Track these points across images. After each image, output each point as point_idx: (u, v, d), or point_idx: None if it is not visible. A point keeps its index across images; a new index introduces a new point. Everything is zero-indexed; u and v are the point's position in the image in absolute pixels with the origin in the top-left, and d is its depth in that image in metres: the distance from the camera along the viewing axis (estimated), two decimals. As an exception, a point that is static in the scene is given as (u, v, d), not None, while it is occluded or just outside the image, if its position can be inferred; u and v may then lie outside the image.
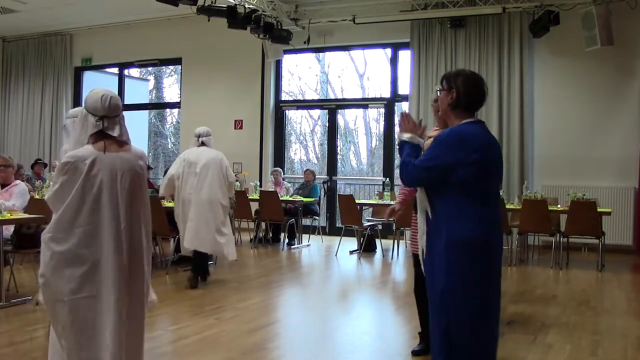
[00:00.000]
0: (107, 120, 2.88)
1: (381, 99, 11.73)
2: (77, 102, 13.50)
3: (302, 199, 9.66)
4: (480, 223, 2.78)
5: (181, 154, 6.83)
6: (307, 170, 10.57)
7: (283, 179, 10.62)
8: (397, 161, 12.13)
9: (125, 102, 13.20)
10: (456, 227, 2.76)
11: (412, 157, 2.87)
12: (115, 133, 2.89)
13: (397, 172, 11.40)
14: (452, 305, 2.78)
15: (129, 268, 2.89)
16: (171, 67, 16.81)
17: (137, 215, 2.95)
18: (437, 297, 2.84)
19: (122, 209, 2.87)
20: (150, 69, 16.29)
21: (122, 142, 2.93)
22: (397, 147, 3.01)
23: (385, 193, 9.58)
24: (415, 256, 4.06)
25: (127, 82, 13.77)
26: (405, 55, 10.79)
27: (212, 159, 6.43)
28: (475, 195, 2.78)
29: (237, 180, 8.69)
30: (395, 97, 11.11)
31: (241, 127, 11.72)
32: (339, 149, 12.58)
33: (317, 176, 10.60)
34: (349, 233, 9.41)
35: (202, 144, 6.53)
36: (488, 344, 2.86)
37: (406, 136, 2.95)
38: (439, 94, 2.98)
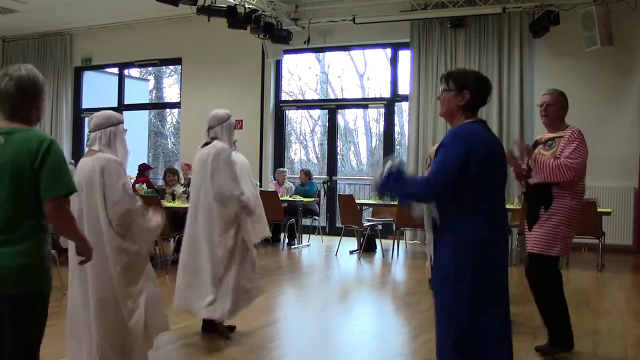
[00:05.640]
0: (90, 134, 3.56)
1: (381, 99, 11.74)
2: (77, 102, 13.51)
3: (302, 198, 9.66)
4: (489, 221, 2.75)
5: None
6: (301, 171, 10.62)
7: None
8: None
9: (125, 102, 13.24)
10: (465, 227, 2.72)
11: (411, 178, 2.79)
12: (88, 143, 3.55)
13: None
14: (462, 306, 2.74)
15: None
16: (171, 67, 16.81)
17: (94, 208, 3.40)
18: (446, 299, 2.80)
19: (77, 202, 3.41)
20: (150, 69, 16.29)
21: (96, 151, 3.49)
22: (380, 187, 2.79)
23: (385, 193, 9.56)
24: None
25: (127, 82, 13.75)
26: (405, 55, 10.79)
27: (247, 164, 7.38)
28: (483, 193, 2.74)
29: None
30: (395, 97, 11.11)
31: (241, 127, 11.71)
32: (339, 149, 12.59)
33: (317, 176, 10.62)
34: (349, 233, 9.41)
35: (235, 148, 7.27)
36: (501, 343, 2.80)
37: (386, 168, 2.75)
38: (443, 93, 2.90)
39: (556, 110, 4.13)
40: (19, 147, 2.41)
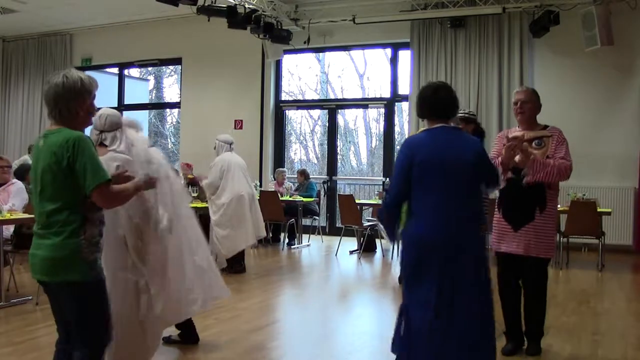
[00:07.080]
0: (107, 134, 3.48)
1: (381, 99, 11.73)
2: (77, 102, 13.50)
3: (302, 198, 9.67)
4: (430, 220, 3.02)
5: (219, 161, 7.11)
6: (298, 171, 10.63)
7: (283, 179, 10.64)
8: (397, 161, 12.12)
9: (125, 102, 13.24)
10: (407, 225, 3.10)
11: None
12: (107, 142, 3.46)
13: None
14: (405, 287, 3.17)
15: None
16: (171, 67, 16.81)
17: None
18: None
19: None
20: (150, 69, 16.28)
21: (107, 149, 3.46)
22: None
23: (385, 193, 9.57)
24: (498, 255, 4.22)
25: (127, 82, 13.75)
26: (405, 55, 10.79)
27: (242, 164, 7.29)
28: (424, 194, 3.02)
29: None
30: (395, 97, 11.12)
31: (241, 127, 11.72)
32: (339, 149, 12.58)
33: (317, 176, 10.62)
34: (349, 233, 9.41)
35: (232, 149, 7.25)
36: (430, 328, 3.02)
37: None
38: None
39: (532, 107, 4.12)
40: (49, 150, 2.64)
